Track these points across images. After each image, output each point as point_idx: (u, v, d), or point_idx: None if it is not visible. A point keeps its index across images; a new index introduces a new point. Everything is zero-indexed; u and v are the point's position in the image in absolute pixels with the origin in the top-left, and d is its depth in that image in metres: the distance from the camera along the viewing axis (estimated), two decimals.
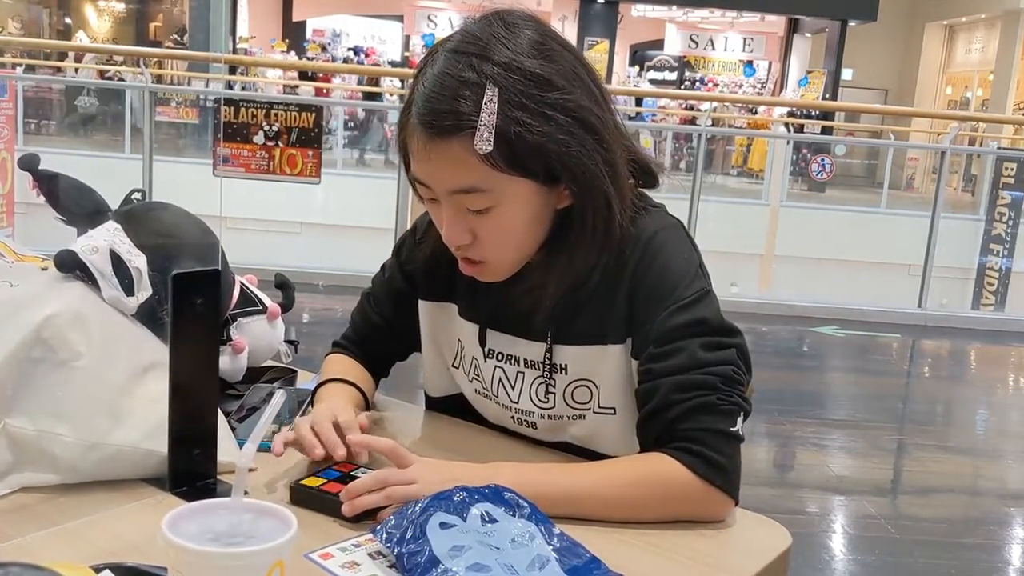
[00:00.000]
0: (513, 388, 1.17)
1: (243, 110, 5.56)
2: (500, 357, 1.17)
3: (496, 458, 1.05)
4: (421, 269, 1.22)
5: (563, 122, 0.98)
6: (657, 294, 1.05)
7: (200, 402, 0.98)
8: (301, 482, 0.98)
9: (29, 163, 1.17)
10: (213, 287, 0.98)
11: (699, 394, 1.00)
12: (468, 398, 1.26)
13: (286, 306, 1.37)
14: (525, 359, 1.15)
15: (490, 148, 0.95)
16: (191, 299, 0.95)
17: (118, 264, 1.09)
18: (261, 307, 1.31)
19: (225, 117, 5.58)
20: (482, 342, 1.18)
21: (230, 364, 1.25)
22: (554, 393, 1.14)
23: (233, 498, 0.66)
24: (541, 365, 1.13)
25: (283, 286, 1.40)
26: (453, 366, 1.25)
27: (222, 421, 1.05)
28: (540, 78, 0.97)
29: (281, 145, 5.58)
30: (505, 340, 1.16)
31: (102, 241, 1.10)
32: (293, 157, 5.59)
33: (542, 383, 1.14)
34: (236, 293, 1.29)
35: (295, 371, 1.35)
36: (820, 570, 2.83)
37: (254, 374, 1.30)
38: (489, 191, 1.00)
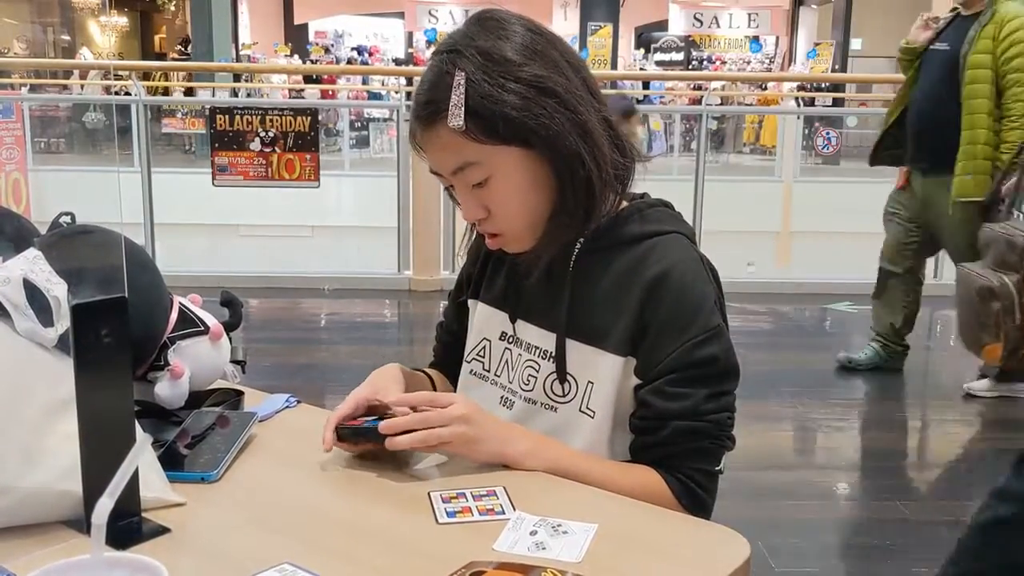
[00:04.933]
0: (513, 369, 1.22)
1: (238, 117, 5.52)
2: (512, 340, 1.23)
3: None
4: (466, 273, 1.34)
5: (518, 90, 1.08)
6: (674, 326, 1.11)
7: (115, 440, 0.92)
8: (345, 423, 1.09)
9: None
10: (120, 316, 0.92)
11: (697, 439, 1.12)
12: (460, 381, 1.29)
13: (232, 324, 1.32)
14: (536, 347, 1.20)
15: (460, 123, 1.06)
16: (96, 330, 0.90)
17: (34, 294, 1.03)
18: (202, 327, 1.25)
19: (221, 126, 5.55)
20: (502, 327, 1.24)
21: (169, 390, 1.20)
22: (535, 378, 1.18)
23: (93, 555, 0.61)
24: (544, 352, 1.18)
25: (230, 303, 1.34)
26: (466, 360, 1.29)
27: (149, 455, 1.00)
28: (499, 57, 1.08)
29: (278, 151, 5.54)
30: (524, 328, 1.22)
31: (16, 271, 1.04)
32: (291, 162, 5.55)
33: (530, 364, 1.19)
34: (174, 315, 1.23)
35: (242, 392, 1.29)
36: (837, 551, 2.76)
37: (199, 398, 1.25)
38: (479, 163, 1.10)
